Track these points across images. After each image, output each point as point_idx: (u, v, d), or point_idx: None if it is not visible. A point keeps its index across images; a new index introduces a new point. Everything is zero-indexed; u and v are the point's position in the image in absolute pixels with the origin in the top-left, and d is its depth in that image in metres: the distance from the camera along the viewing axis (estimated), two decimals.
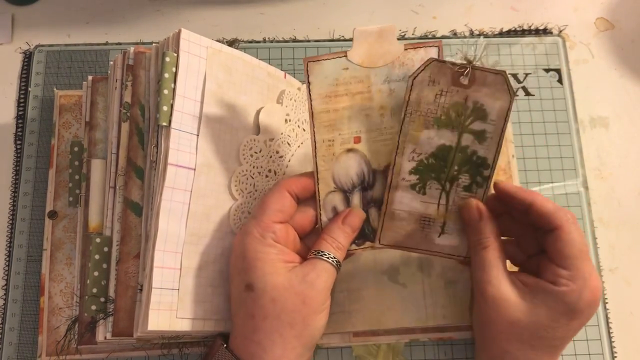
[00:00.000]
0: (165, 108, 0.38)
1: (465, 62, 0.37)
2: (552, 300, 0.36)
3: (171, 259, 0.38)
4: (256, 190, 0.43)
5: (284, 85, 0.47)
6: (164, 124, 0.38)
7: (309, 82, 0.38)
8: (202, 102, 0.40)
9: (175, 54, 0.39)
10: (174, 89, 0.39)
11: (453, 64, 0.37)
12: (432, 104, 0.38)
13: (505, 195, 0.39)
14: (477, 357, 0.40)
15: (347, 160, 0.40)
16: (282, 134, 0.45)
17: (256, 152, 0.43)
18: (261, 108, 0.44)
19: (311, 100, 0.39)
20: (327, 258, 0.38)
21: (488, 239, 0.38)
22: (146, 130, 0.41)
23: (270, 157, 0.44)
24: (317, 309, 0.37)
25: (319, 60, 0.38)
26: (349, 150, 0.40)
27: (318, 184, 0.40)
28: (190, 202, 0.39)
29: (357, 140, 0.40)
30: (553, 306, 0.36)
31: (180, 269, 0.38)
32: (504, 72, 0.37)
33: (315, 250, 0.39)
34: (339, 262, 0.39)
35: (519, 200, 0.38)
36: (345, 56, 0.38)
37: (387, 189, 0.40)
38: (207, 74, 0.40)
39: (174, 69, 0.39)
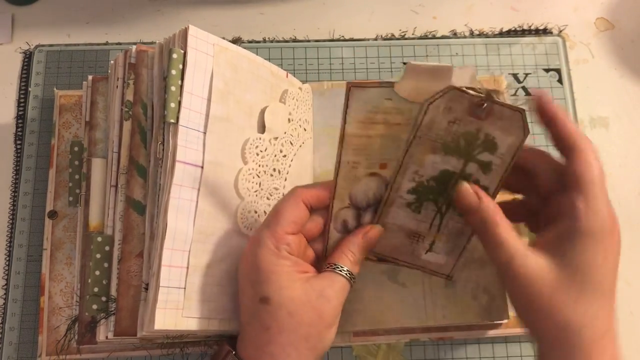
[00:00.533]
0: (172, 105, 0.38)
1: (484, 94, 0.36)
2: (579, 238, 0.34)
3: (178, 257, 0.38)
4: (262, 189, 0.43)
5: (286, 85, 0.47)
6: (172, 120, 0.38)
7: (347, 106, 0.37)
8: (209, 100, 0.40)
9: (182, 51, 0.39)
10: (181, 86, 0.39)
11: (472, 95, 0.36)
12: (444, 130, 0.37)
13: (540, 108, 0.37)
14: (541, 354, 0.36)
15: (369, 183, 0.39)
16: (285, 133, 0.45)
17: (262, 151, 0.43)
18: (266, 107, 0.44)
19: (345, 123, 0.38)
20: (345, 273, 0.38)
21: (495, 216, 0.36)
22: (149, 129, 0.41)
23: (275, 156, 0.44)
24: (331, 323, 0.37)
25: (363, 87, 0.37)
26: (372, 174, 0.39)
27: (333, 199, 0.39)
28: (199, 200, 0.39)
29: (384, 166, 0.39)
30: (582, 245, 0.34)
31: (188, 267, 0.38)
32: (523, 110, 0.36)
33: (333, 264, 0.38)
34: (354, 277, 0.39)
35: (542, 113, 0.36)
36: (392, 87, 0.37)
37: (382, 203, 0.39)
38: (214, 72, 0.40)
39: (180, 66, 0.39)
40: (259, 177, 0.43)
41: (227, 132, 0.41)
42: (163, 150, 0.39)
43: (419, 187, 0.39)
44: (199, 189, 0.39)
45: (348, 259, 0.38)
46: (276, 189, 0.44)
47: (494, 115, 0.36)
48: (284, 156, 0.45)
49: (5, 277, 0.48)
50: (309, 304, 0.36)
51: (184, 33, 0.39)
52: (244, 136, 0.42)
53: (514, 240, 0.35)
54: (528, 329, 0.36)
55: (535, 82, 0.53)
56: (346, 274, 0.38)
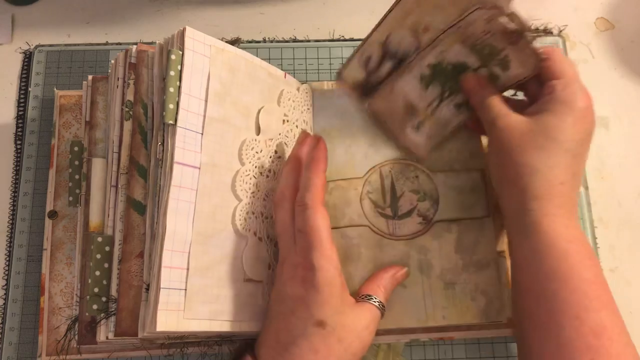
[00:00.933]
0: (171, 106, 0.38)
1: (521, 29, 0.41)
2: (553, 105, 0.39)
3: (178, 258, 0.37)
4: (258, 191, 0.43)
5: (283, 85, 0.47)
6: (170, 122, 0.38)
7: None
8: (206, 101, 0.40)
9: (181, 52, 0.39)
10: (179, 87, 0.39)
11: (513, 24, 0.41)
12: (479, 33, 0.42)
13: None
14: (504, 208, 0.42)
15: (407, 36, 0.43)
16: (280, 134, 0.45)
17: (257, 152, 0.43)
18: (262, 108, 0.44)
19: None
20: (379, 305, 0.41)
21: (493, 91, 0.43)
22: (149, 129, 0.41)
23: (270, 157, 0.44)
24: (365, 351, 0.39)
25: None
26: (415, 31, 0.43)
27: (375, 30, 0.43)
28: (197, 201, 0.39)
29: (426, 30, 0.43)
30: (555, 109, 0.39)
31: (187, 269, 0.38)
32: (542, 57, 0.41)
33: (369, 295, 0.41)
34: (385, 308, 0.42)
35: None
36: None
37: (405, 65, 0.44)
38: (211, 73, 0.40)
39: (179, 67, 0.39)
40: (255, 178, 0.43)
41: (224, 133, 0.41)
42: (163, 151, 0.39)
43: (438, 66, 0.44)
44: (196, 191, 0.39)
45: (382, 292, 0.42)
46: (272, 190, 0.44)
47: (519, 46, 0.42)
48: (279, 157, 0.45)
49: (5, 277, 0.48)
50: (356, 333, 0.38)
51: (182, 34, 0.39)
52: (241, 137, 0.42)
53: (503, 105, 0.42)
54: (496, 176, 0.42)
55: None
56: (379, 305, 0.41)
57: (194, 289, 0.38)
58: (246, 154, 0.42)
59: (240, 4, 0.57)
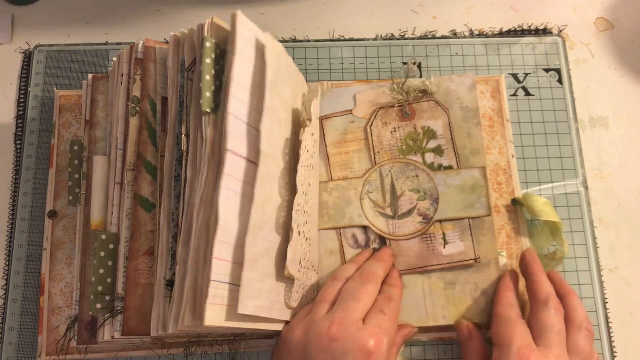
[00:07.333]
0: (208, 94, 0.37)
1: (402, 98, 0.47)
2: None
3: (226, 250, 0.35)
4: (302, 185, 0.42)
5: (302, 83, 0.47)
6: (207, 110, 0.37)
7: (324, 134, 0.48)
8: (251, 91, 0.38)
9: (214, 40, 0.38)
10: (214, 75, 0.37)
11: (393, 105, 0.47)
12: (392, 139, 0.47)
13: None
14: None
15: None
16: (317, 129, 0.46)
17: (306, 146, 0.42)
18: (303, 102, 0.44)
19: (326, 147, 0.48)
20: None
21: (473, 356, 0.42)
22: (159, 124, 0.41)
23: (308, 151, 0.44)
24: None
25: (330, 118, 0.48)
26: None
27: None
28: (255, 192, 0.37)
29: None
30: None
31: (235, 262, 0.36)
32: (433, 97, 0.47)
33: None
34: None
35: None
36: (351, 113, 0.49)
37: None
38: (268, 62, 0.39)
39: (213, 55, 0.38)
40: (305, 171, 0.42)
41: (273, 124, 0.39)
42: (188, 142, 0.38)
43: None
44: (243, 181, 0.37)
45: (393, 353, 0.42)
46: (310, 185, 0.43)
47: (419, 111, 0.47)
48: (315, 152, 0.45)
49: (5, 277, 0.48)
50: None
51: (233, 20, 0.37)
52: (283, 130, 0.41)
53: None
54: None
55: (535, 82, 0.53)
56: None
57: (245, 282, 0.36)
58: (303, 147, 0.41)
59: (240, 4, 0.57)
